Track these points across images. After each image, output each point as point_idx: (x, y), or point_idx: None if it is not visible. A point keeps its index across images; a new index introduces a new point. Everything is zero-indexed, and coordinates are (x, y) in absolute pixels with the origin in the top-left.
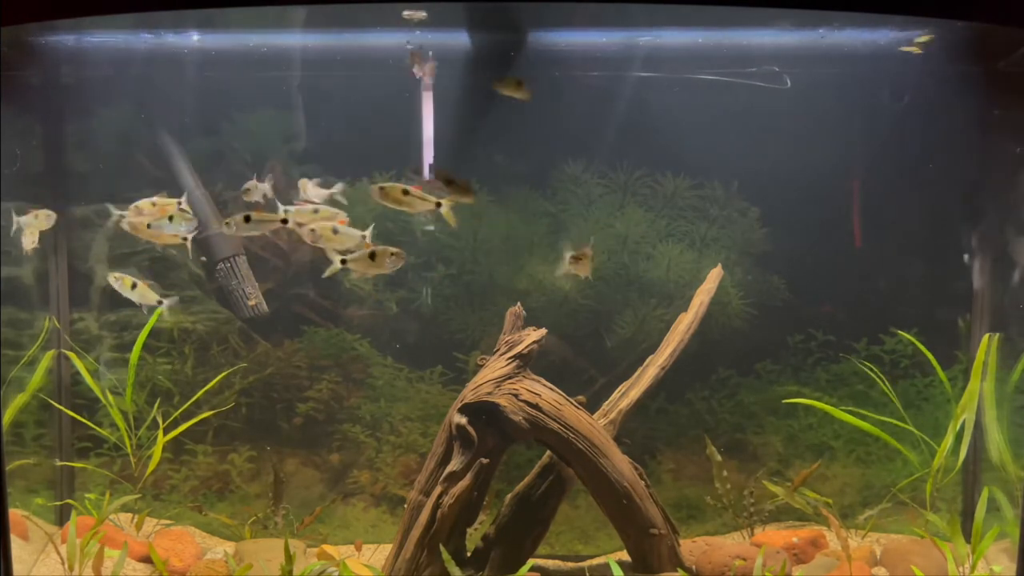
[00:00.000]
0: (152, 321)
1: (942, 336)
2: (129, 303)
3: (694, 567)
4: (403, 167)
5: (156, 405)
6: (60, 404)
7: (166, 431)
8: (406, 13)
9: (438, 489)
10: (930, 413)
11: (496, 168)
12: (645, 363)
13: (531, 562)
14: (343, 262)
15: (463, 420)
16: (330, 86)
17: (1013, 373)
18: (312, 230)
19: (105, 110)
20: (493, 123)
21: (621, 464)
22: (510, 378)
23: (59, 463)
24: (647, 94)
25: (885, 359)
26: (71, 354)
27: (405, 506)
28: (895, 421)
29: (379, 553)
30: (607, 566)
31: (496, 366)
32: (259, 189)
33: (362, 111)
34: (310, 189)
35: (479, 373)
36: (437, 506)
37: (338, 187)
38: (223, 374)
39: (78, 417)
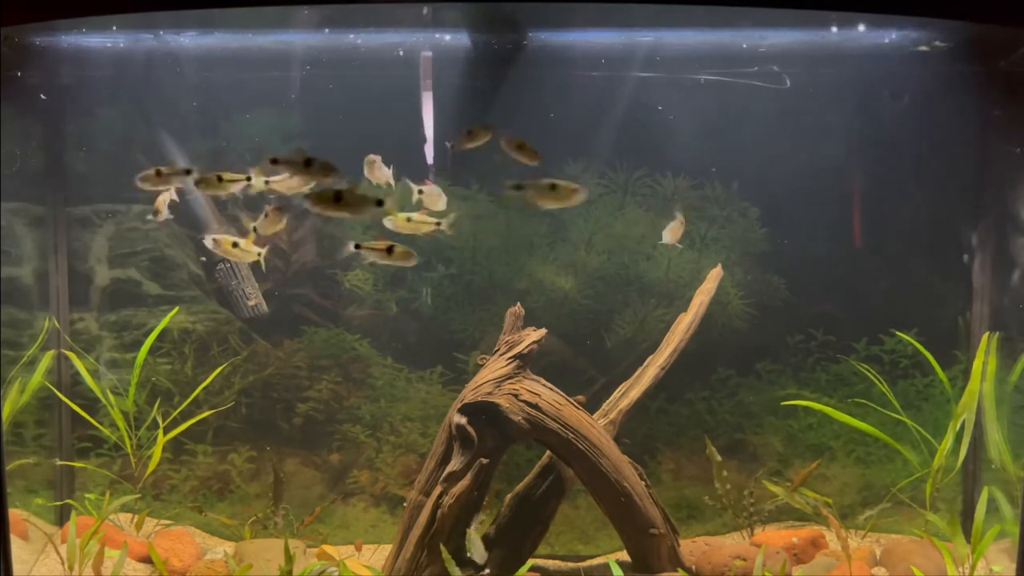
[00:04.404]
0: (164, 323)
1: (942, 336)
2: (129, 303)
3: (694, 567)
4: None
5: (156, 405)
6: (60, 405)
7: (166, 431)
8: None
9: (438, 489)
10: (930, 413)
11: (496, 168)
12: (645, 363)
13: (531, 562)
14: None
15: (463, 420)
16: (327, 86)
17: (1013, 373)
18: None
19: (105, 110)
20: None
21: (621, 464)
22: (510, 378)
23: (59, 463)
24: (647, 94)
25: (885, 359)
26: (71, 354)
27: (405, 506)
28: (896, 416)
29: (379, 553)
30: (607, 566)
31: (496, 366)
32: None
33: (361, 110)
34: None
35: (479, 373)
36: (437, 506)
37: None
38: (221, 368)
39: (83, 414)
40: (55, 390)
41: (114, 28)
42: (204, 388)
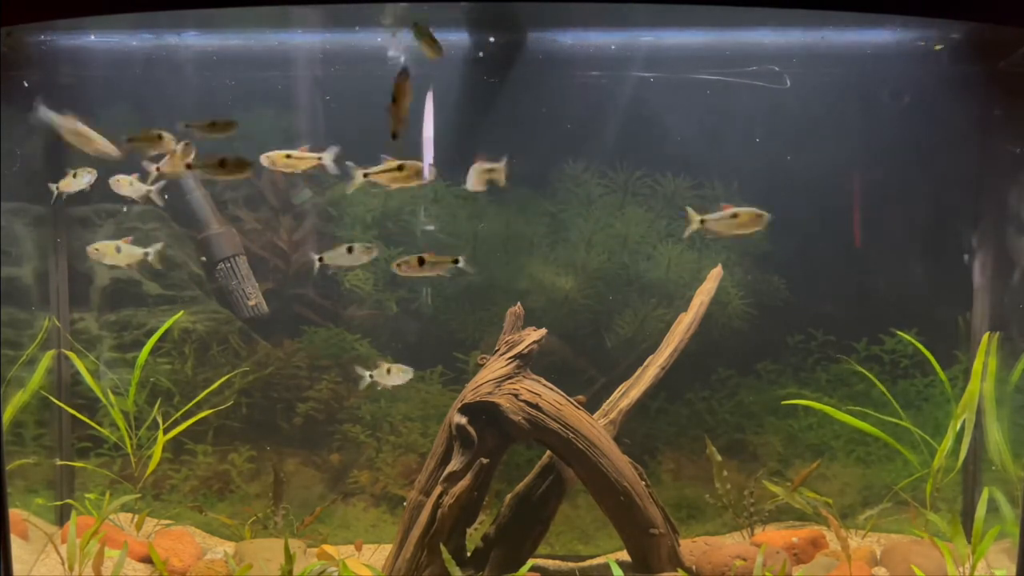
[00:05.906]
0: (168, 324)
1: (942, 336)
2: (129, 303)
3: (694, 567)
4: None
5: (156, 405)
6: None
7: (166, 431)
8: None
9: (438, 489)
10: (930, 413)
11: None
12: (645, 363)
13: (531, 562)
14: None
15: (463, 420)
16: (327, 85)
17: (1013, 373)
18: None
19: (105, 110)
20: (493, 123)
21: (621, 464)
22: (510, 378)
23: (59, 463)
24: (647, 94)
25: (885, 359)
26: (71, 354)
27: (405, 506)
28: (894, 420)
29: (379, 553)
30: (607, 566)
31: (496, 366)
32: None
33: (360, 108)
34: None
35: (479, 373)
36: (437, 506)
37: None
38: (226, 377)
39: (81, 416)
40: (51, 397)
41: (92, 36)
42: (204, 389)
